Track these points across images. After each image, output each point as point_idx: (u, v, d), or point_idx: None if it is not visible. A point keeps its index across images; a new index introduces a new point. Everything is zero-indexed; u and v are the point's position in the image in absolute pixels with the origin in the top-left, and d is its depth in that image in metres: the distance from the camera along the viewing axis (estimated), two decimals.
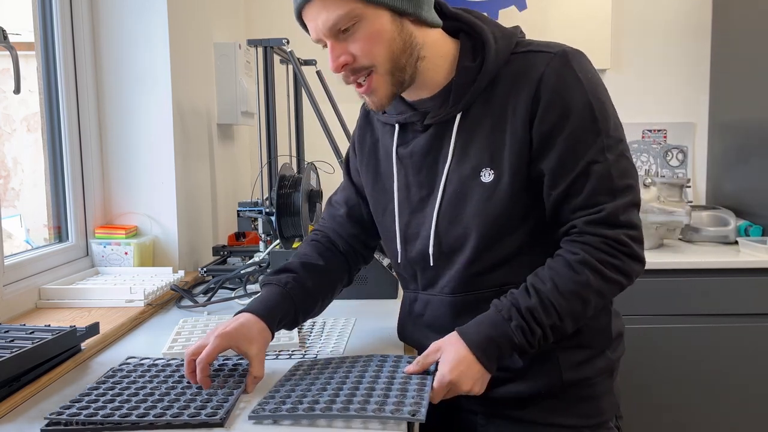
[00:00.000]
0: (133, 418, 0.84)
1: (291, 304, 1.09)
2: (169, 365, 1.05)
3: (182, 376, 0.99)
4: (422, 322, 1.13)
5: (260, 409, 0.87)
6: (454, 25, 1.05)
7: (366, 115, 1.20)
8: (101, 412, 0.85)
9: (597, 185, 0.97)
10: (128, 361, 1.08)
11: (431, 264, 1.08)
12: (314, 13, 0.95)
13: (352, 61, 0.97)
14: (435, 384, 0.94)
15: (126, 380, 0.98)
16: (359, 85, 1.00)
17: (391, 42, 0.96)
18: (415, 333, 1.16)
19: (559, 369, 1.05)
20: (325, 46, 0.98)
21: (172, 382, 0.97)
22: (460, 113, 1.03)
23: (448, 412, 1.11)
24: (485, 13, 1.12)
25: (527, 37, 1.06)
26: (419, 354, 1.13)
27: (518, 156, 0.99)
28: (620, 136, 1.00)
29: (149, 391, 0.94)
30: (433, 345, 0.99)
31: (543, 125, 0.97)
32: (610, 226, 0.97)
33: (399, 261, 1.14)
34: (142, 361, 1.08)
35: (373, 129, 1.18)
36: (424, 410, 0.84)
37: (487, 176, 1.01)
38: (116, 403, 0.89)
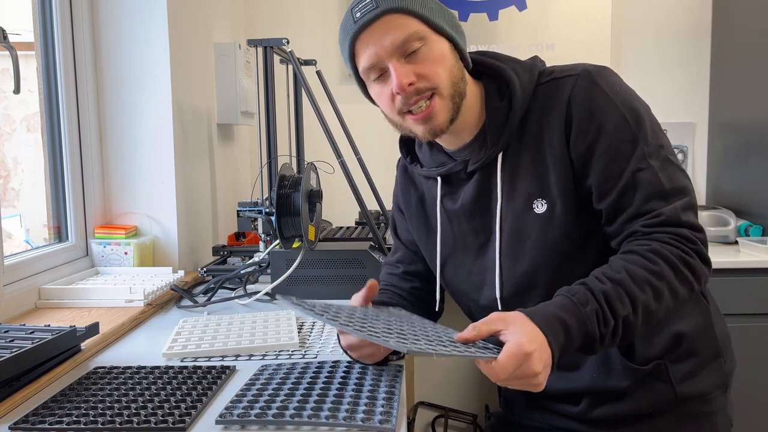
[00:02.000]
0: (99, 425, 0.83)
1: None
2: (137, 372, 1.03)
3: (149, 382, 0.98)
4: None
5: (227, 413, 0.86)
6: (474, 69, 1.05)
7: (404, 171, 1.20)
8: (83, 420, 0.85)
9: (647, 192, 0.94)
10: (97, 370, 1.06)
11: (499, 308, 1.04)
12: (380, 33, 0.95)
13: (416, 81, 0.96)
14: (506, 354, 0.80)
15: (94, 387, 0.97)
16: (412, 113, 0.98)
17: (452, 68, 0.98)
18: None
19: (670, 382, 1.00)
20: (378, 75, 0.98)
21: (140, 389, 0.96)
22: (501, 152, 1.03)
23: None
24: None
25: (539, 49, 1.06)
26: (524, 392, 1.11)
27: (564, 181, 0.98)
28: (661, 141, 0.97)
29: (116, 398, 0.92)
30: (496, 314, 0.86)
31: (580, 144, 0.97)
32: (673, 226, 0.93)
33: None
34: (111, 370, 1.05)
35: (416, 184, 1.18)
36: (394, 420, 0.84)
37: (540, 207, 1.00)
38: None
